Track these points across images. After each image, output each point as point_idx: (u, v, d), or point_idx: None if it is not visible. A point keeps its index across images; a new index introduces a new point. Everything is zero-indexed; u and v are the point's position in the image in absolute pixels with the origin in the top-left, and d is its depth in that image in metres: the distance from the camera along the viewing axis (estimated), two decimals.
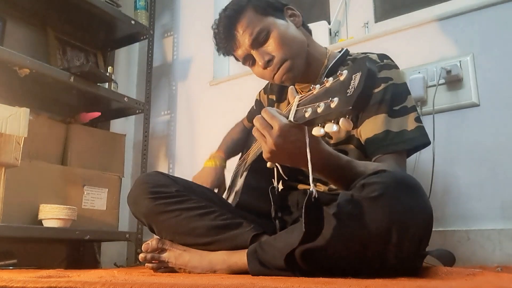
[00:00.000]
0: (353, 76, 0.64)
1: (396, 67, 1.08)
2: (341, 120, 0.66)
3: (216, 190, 1.37)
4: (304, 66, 1.12)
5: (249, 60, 1.14)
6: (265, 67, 1.09)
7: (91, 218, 1.78)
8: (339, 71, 0.67)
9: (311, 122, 0.71)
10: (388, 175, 0.80)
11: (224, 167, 1.42)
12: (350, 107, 0.62)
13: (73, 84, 1.74)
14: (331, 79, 0.68)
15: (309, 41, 1.16)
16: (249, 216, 1.12)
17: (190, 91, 2.22)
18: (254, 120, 0.82)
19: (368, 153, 1.03)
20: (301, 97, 0.75)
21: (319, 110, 0.67)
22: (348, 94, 0.63)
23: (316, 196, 0.73)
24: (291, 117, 0.76)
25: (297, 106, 0.75)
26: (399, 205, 0.76)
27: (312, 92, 0.72)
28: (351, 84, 0.63)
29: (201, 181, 1.33)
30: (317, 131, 0.69)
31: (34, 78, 1.66)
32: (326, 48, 1.20)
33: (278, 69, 1.09)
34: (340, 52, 1.17)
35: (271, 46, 1.08)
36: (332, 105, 0.65)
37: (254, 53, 1.10)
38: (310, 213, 0.73)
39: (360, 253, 0.77)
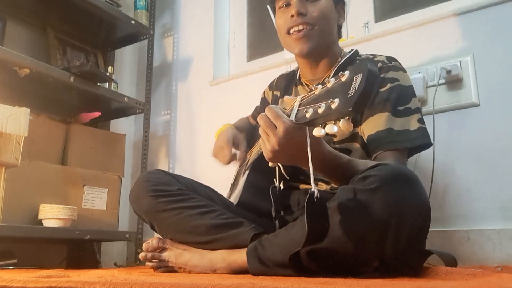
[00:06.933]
0: (354, 77, 0.64)
1: (403, 70, 1.10)
2: (341, 121, 0.66)
3: (236, 150, 1.30)
4: (321, 48, 1.15)
5: (284, 1, 1.16)
6: (297, 15, 1.11)
7: (91, 218, 1.78)
8: (341, 72, 0.67)
9: (312, 123, 0.71)
10: (386, 168, 0.81)
11: (236, 130, 1.36)
12: (351, 109, 0.62)
13: (73, 84, 1.74)
14: (332, 79, 0.69)
15: (336, 39, 1.21)
16: (250, 215, 1.12)
17: (190, 91, 2.22)
18: (258, 118, 0.82)
19: (370, 149, 1.04)
20: (303, 97, 0.76)
21: (320, 110, 0.67)
22: (349, 96, 0.63)
23: (319, 196, 0.73)
24: (292, 117, 0.76)
25: (299, 106, 0.75)
26: (397, 196, 0.77)
27: (314, 92, 0.72)
28: (352, 85, 0.63)
29: (218, 144, 1.29)
30: (317, 131, 0.70)
31: (34, 78, 1.66)
32: (342, 49, 1.24)
33: (303, 25, 1.11)
34: (350, 52, 1.20)
35: (313, 8, 1.12)
36: (333, 106, 0.65)
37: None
38: (312, 213, 0.73)
39: (359, 245, 0.77)
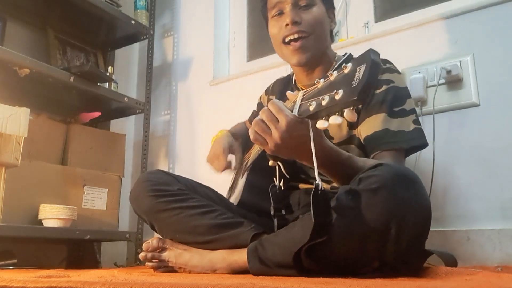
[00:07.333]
0: (357, 68, 0.64)
1: (398, 72, 1.11)
2: (346, 111, 0.66)
3: (232, 157, 1.29)
4: (317, 56, 1.15)
5: (277, 10, 1.15)
6: (292, 24, 1.10)
7: (91, 218, 1.78)
8: (344, 64, 0.67)
9: (316, 115, 0.71)
10: (387, 168, 0.81)
11: (232, 137, 1.34)
12: (355, 98, 0.62)
13: (73, 84, 1.74)
14: (335, 72, 0.68)
15: (329, 44, 1.21)
16: (250, 215, 1.12)
17: (190, 91, 2.22)
18: (260, 112, 0.81)
19: (367, 150, 1.04)
20: (305, 91, 0.75)
21: (324, 102, 0.67)
22: (353, 86, 0.63)
23: (323, 188, 0.73)
24: (295, 111, 0.75)
25: (301, 101, 0.75)
26: (398, 197, 0.77)
27: (316, 86, 0.72)
28: (356, 75, 0.63)
29: (214, 151, 1.27)
30: (321, 124, 0.69)
31: (34, 78, 1.66)
32: (335, 52, 1.24)
33: (298, 33, 1.11)
34: (344, 55, 1.20)
35: (307, 16, 1.12)
36: (337, 97, 0.65)
37: (288, 7, 1.12)
38: (318, 205, 0.73)
39: (359, 246, 0.77)
